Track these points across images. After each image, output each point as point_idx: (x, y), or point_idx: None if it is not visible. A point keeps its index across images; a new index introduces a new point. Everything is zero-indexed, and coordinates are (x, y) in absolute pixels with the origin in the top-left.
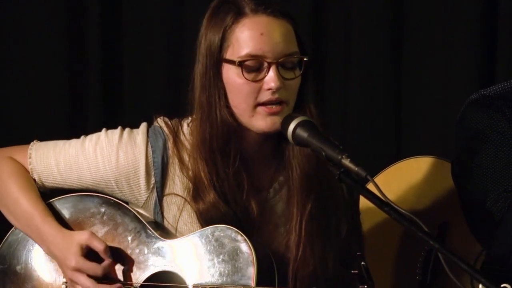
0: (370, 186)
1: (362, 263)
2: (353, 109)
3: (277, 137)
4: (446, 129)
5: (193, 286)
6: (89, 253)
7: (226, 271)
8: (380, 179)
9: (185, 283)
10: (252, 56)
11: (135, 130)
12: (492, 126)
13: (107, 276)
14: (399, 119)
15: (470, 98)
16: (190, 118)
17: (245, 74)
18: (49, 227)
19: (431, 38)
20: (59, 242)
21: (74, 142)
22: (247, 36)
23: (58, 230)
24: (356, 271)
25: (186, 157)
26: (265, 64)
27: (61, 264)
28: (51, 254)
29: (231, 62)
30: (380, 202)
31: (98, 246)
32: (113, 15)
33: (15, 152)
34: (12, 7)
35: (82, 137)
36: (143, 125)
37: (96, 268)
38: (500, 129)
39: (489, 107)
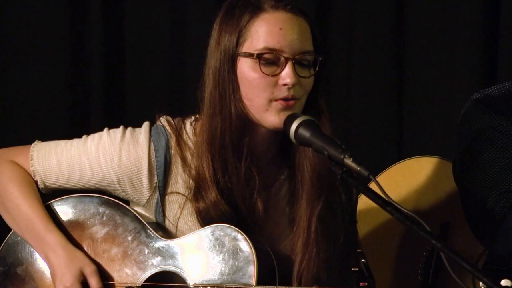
0: (373, 186)
1: (363, 260)
2: (355, 109)
3: (281, 138)
4: (448, 129)
5: (194, 286)
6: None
7: (227, 270)
8: (382, 178)
9: (185, 282)
10: (270, 50)
11: (137, 130)
12: (494, 126)
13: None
14: (401, 118)
15: (472, 97)
16: (193, 117)
17: (262, 68)
18: (52, 236)
19: (433, 38)
20: (61, 255)
21: (76, 142)
22: (266, 30)
23: (62, 242)
24: (357, 269)
25: (188, 156)
26: (282, 59)
27: (54, 276)
28: (48, 262)
29: (248, 55)
30: (383, 202)
31: (95, 285)
32: (115, 15)
33: (16, 153)
34: (13, 6)
35: (84, 136)
36: (146, 124)
37: None
38: (502, 129)
39: (491, 107)
